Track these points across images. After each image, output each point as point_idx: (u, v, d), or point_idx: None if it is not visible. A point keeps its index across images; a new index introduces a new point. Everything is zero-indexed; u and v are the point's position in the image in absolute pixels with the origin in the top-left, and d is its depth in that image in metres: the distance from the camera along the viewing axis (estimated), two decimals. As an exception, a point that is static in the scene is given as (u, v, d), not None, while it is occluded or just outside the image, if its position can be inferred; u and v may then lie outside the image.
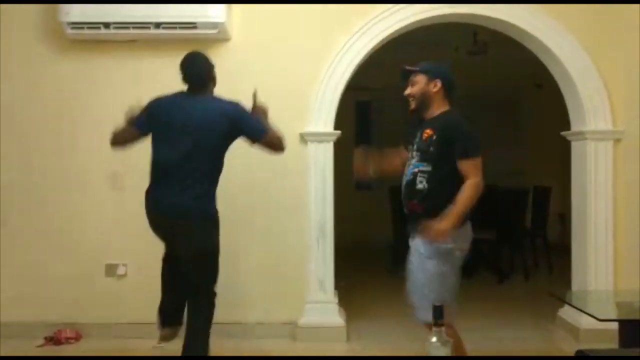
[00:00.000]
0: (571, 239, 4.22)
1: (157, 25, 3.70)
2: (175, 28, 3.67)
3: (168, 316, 3.16)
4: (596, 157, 3.97)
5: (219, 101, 3.04)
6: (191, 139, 2.90)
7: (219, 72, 3.17)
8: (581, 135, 4.04)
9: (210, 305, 3.03)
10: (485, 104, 8.20)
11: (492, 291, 5.53)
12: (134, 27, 3.73)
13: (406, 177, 2.84)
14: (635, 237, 3.86)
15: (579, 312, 3.09)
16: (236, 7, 3.93)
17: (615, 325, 2.68)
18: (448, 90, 2.87)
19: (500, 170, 7.84)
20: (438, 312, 1.64)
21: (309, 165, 4.01)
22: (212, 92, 3.11)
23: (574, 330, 3.95)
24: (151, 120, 3.01)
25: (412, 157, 2.84)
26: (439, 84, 2.85)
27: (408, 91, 2.90)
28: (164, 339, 3.19)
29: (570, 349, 2.17)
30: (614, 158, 3.96)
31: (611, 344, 2.73)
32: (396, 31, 4.04)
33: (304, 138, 4.00)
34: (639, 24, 3.78)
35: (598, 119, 3.98)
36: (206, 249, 2.98)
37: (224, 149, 3.03)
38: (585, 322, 3.65)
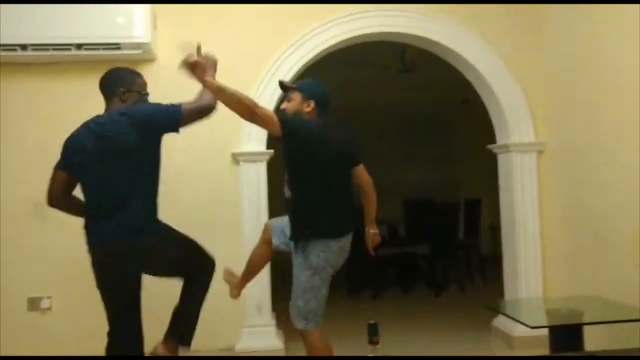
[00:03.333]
0: (502, 250, 4.34)
1: (79, 46, 3.56)
2: (98, 49, 3.55)
3: None
4: (521, 169, 4.11)
5: (121, 109, 2.69)
6: (112, 163, 2.63)
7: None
8: (506, 148, 4.18)
9: (205, 283, 2.93)
10: (416, 120, 8.40)
11: (429, 305, 5.61)
12: (53, 49, 3.57)
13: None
14: (561, 245, 4.00)
15: (512, 320, 3.17)
16: (162, 27, 3.86)
17: (546, 332, 2.76)
18: (322, 109, 2.97)
19: (433, 185, 8.03)
20: (373, 330, 1.63)
21: (242, 186, 3.95)
22: (126, 104, 2.75)
23: (508, 339, 4.03)
24: (70, 158, 2.74)
25: None
26: (312, 104, 2.95)
27: (283, 106, 3.02)
28: None
29: (504, 358, 2.21)
30: (538, 169, 4.11)
31: (543, 350, 2.80)
32: (326, 49, 4.08)
33: (235, 158, 3.94)
34: (557, 42, 3.95)
35: (521, 132, 4.14)
36: (169, 257, 2.80)
37: (148, 159, 2.70)
38: (519, 329, 3.75)
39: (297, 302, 2.84)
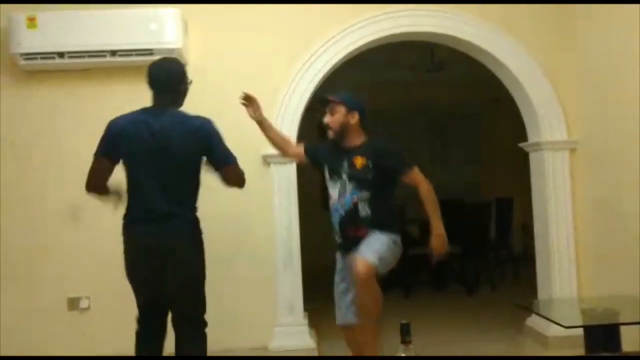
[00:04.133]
0: (535, 249, 4.30)
1: (113, 53, 3.65)
2: (132, 55, 3.64)
3: None
4: (553, 167, 4.07)
5: (188, 117, 2.83)
6: (167, 162, 2.72)
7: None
8: (538, 146, 4.14)
9: (203, 335, 2.84)
10: (447, 119, 8.36)
11: (460, 304, 5.58)
12: (89, 56, 3.67)
13: (344, 207, 3.01)
14: (595, 243, 3.95)
15: (545, 320, 3.14)
16: (193, 32, 3.93)
17: (581, 331, 2.73)
18: (364, 120, 3.10)
19: (463, 184, 7.97)
20: (405, 330, 1.64)
21: (273, 187, 3.99)
22: (180, 105, 2.90)
23: (541, 339, 3.99)
24: (116, 146, 2.79)
25: (345, 186, 3.02)
26: (356, 115, 3.06)
27: (327, 119, 3.10)
28: None
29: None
30: (571, 167, 4.06)
31: (579, 350, 2.77)
32: (354, 50, 4.08)
33: (266, 160, 3.99)
34: (589, 38, 3.90)
35: (553, 130, 4.09)
36: (198, 274, 2.85)
37: (199, 168, 2.85)
38: (553, 329, 3.71)
39: (375, 245, 2.90)
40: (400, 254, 3.08)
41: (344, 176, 3.02)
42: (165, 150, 2.73)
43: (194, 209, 2.87)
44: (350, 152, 3.05)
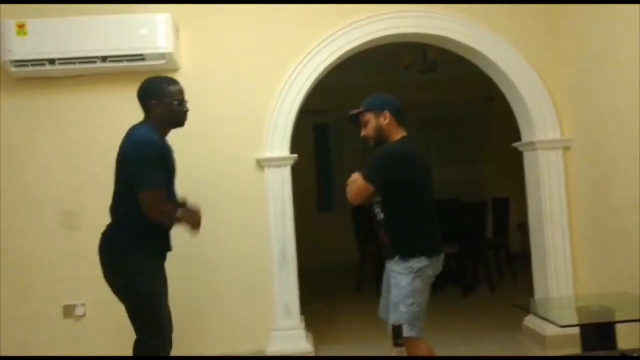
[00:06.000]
0: (531, 248, 4.29)
1: (104, 58, 3.64)
2: (122, 61, 3.62)
3: None
4: (548, 166, 4.06)
5: (133, 132, 2.80)
6: (115, 178, 2.86)
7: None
8: (531, 145, 4.13)
9: (141, 350, 2.80)
10: (442, 119, 8.36)
11: (458, 304, 5.56)
12: (80, 62, 3.66)
13: (372, 213, 2.99)
14: (590, 241, 3.94)
15: (542, 319, 3.14)
16: (184, 37, 3.92)
17: (578, 330, 2.73)
18: (398, 116, 2.93)
19: (459, 184, 7.97)
20: (397, 332, 1.63)
21: (267, 191, 3.98)
22: (158, 115, 2.83)
23: (539, 338, 3.99)
24: None
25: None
26: (387, 115, 2.90)
27: (363, 133, 2.97)
28: None
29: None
30: (565, 165, 4.06)
31: (576, 349, 2.77)
32: (347, 52, 4.08)
33: (260, 164, 3.98)
34: (579, 37, 3.91)
35: (547, 129, 4.09)
36: (121, 289, 2.83)
37: (124, 186, 2.78)
38: (550, 329, 3.71)
39: (399, 308, 2.76)
40: (435, 270, 2.86)
41: None
42: (117, 161, 2.83)
43: (123, 222, 2.82)
44: None
